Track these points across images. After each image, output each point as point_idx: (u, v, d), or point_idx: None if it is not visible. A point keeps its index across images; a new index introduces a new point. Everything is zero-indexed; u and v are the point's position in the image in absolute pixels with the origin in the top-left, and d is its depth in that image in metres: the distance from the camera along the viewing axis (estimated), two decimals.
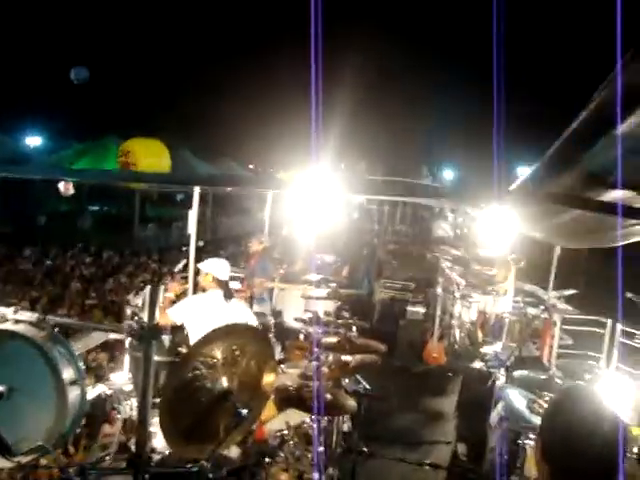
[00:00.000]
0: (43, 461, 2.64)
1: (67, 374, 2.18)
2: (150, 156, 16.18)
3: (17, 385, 2.14)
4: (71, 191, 21.87)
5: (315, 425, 3.60)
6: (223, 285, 5.07)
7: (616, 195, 1.61)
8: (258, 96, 23.87)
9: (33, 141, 25.72)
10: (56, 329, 2.28)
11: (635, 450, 3.77)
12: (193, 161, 22.26)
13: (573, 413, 1.57)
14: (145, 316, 3.76)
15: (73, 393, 2.18)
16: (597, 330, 8.07)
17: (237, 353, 2.35)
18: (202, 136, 23.63)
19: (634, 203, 1.63)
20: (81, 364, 2.27)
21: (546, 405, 4.16)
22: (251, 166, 28.50)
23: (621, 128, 1.32)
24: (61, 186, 21.55)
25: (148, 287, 7.44)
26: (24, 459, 2.12)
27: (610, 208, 1.72)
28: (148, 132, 17.47)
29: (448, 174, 24.68)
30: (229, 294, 5.08)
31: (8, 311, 2.18)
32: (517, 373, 4.87)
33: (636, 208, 1.73)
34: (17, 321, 2.17)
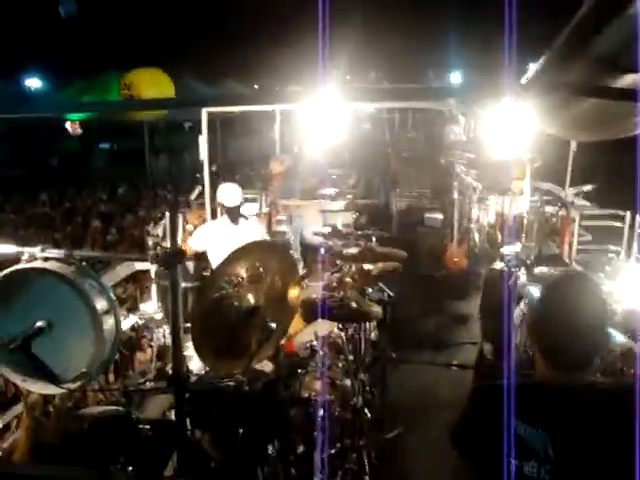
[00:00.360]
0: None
1: (100, 305, 2.26)
2: (152, 86, 15.99)
3: (54, 319, 2.24)
4: (79, 130, 21.76)
5: (343, 334, 3.72)
6: (230, 211, 5.10)
7: (629, 80, 1.58)
8: (260, 12, 23.10)
9: (32, 83, 25.36)
10: (83, 263, 2.35)
11: None
12: (196, 86, 21.90)
13: (564, 297, 1.70)
14: (167, 243, 3.84)
15: (108, 322, 2.27)
16: (616, 224, 8.05)
17: (261, 270, 2.41)
18: (204, 59, 23.09)
19: None
20: (112, 294, 2.34)
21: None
22: (256, 86, 27.98)
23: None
24: (68, 126, 21.45)
25: (167, 215, 7.54)
26: (71, 386, 2.24)
27: (628, 94, 1.69)
28: (149, 61, 17.15)
29: (455, 77, 23.93)
30: (235, 218, 5.11)
31: (36, 250, 2.24)
32: (537, 270, 4.91)
33: None
34: (46, 259, 2.24)
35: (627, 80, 1.64)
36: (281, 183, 7.82)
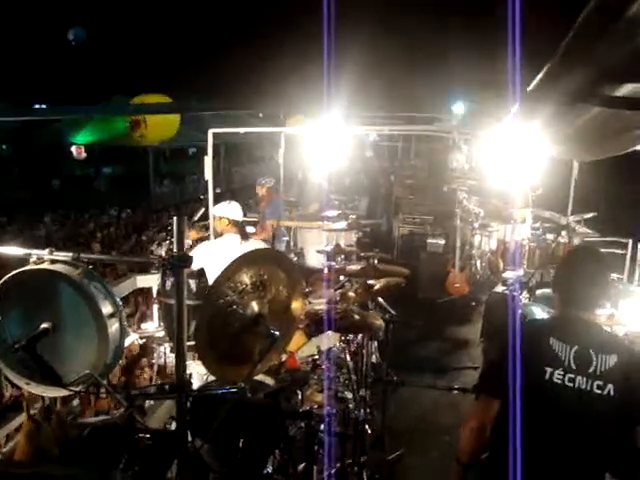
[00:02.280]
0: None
1: (105, 308, 2.28)
2: None
3: (60, 321, 2.25)
4: (84, 154, 21.96)
5: (345, 346, 3.72)
6: (239, 226, 5.13)
7: (628, 89, 1.62)
8: (265, 43, 23.45)
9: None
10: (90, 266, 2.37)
11: None
12: (203, 114, 22.11)
13: (578, 259, 2.49)
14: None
15: (113, 325, 2.29)
16: (618, 252, 8.07)
17: (265, 278, 2.43)
18: (209, 85, 23.36)
19: None
20: (117, 299, 2.36)
21: None
22: (261, 115, 28.27)
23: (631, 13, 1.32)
24: (74, 150, 21.64)
25: (174, 219, 7.57)
26: (75, 388, 2.24)
27: (635, 103, 1.72)
28: (154, 87, 17.38)
29: (459, 108, 24.15)
30: (245, 235, 5.15)
31: (44, 252, 2.27)
32: (539, 292, 4.93)
33: None
34: (53, 261, 2.26)
35: (626, 89, 1.68)
36: (267, 205, 7.88)
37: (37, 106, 24.67)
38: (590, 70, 1.67)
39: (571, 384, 2.20)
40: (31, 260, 2.25)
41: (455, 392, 5.95)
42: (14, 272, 2.25)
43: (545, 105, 1.95)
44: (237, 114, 23.68)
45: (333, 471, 3.76)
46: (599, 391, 2.18)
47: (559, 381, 2.21)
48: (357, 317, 3.52)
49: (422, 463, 4.64)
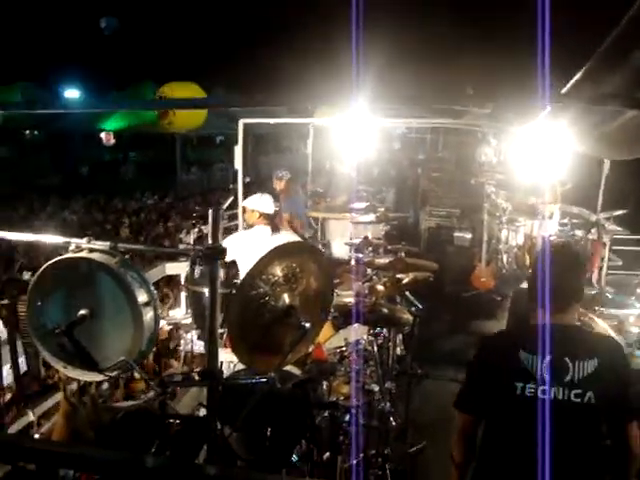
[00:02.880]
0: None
1: (141, 296, 2.33)
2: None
3: (97, 308, 2.31)
4: (112, 141, 22.22)
5: (373, 339, 3.75)
6: (270, 219, 5.17)
7: None
8: (294, 34, 23.38)
9: (71, 94, 25.99)
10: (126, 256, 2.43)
11: None
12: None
13: (551, 254, 2.29)
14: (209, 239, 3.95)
15: (147, 314, 2.34)
16: None
17: (297, 270, 2.46)
18: (236, 74, 23.39)
19: None
20: (152, 287, 2.41)
21: (598, 318, 4.23)
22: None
23: None
24: (103, 137, 21.90)
25: (202, 226, 7.61)
26: (111, 373, 2.31)
27: None
28: (182, 75, 17.49)
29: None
30: (276, 227, 5.19)
31: (82, 241, 2.32)
32: None
33: None
34: (91, 250, 2.32)
35: None
36: (285, 200, 7.86)
37: (68, 92, 25.01)
38: (628, 74, 1.66)
39: (544, 396, 2.11)
40: (70, 248, 2.31)
41: None
42: (54, 260, 2.32)
43: (578, 107, 1.94)
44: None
45: (356, 461, 3.81)
46: (578, 399, 2.11)
47: (531, 394, 2.13)
48: (386, 311, 3.55)
49: (444, 456, 4.64)
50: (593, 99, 1.73)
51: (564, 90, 1.87)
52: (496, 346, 2.35)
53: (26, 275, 2.50)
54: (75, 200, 16.93)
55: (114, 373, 2.31)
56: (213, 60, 24.25)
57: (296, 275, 2.49)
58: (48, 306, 2.36)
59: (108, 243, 2.33)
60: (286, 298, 2.47)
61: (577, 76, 1.79)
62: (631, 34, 1.54)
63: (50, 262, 2.32)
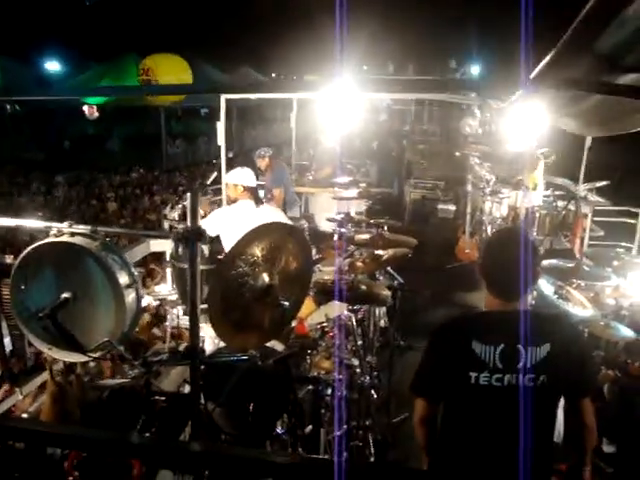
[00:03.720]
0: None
1: (122, 279, 2.38)
2: (171, 72, 16.12)
3: (80, 291, 2.36)
4: (96, 114, 21.91)
5: (352, 315, 3.83)
6: (252, 191, 5.19)
7: (631, 78, 1.66)
8: (279, 3, 23.07)
9: (51, 66, 25.52)
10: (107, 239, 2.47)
11: None
12: (214, 74, 21.95)
13: (499, 244, 2.34)
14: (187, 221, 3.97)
15: (129, 295, 2.39)
16: (629, 221, 8.09)
17: (276, 250, 2.51)
18: (221, 46, 23.11)
19: None
20: (133, 269, 2.46)
21: (576, 291, 4.33)
22: (274, 74, 28.02)
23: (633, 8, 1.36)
24: (86, 110, 21.59)
25: (187, 195, 7.65)
26: (94, 354, 2.37)
27: (634, 91, 1.76)
28: (167, 47, 17.25)
29: (475, 69, 23.96)
30: (259, 200, 5.22)
31: (63, 225, 2.36)
32: (546, 262, 4.98)
33: None
34: (72, 234, 2.35)
35: (629, 78, 1.72)
36: (270, 174, 7.90)
37: (48, 64, 24.54)
38: (593, 60, 1.71)
39: (499, 384, 2.13)
40: (51, 233, 2.35)
41: None
42: (36, 244, 2.35)
43: (547, 92, 1.98)
44: (250, 74, 23.50)
45: (339, 433, 3.92)
46: (532, 384, 2.13)
47: (486, 383, 2.14)
48: (364, 288, 3.61)
49: None
50: (560, 84, 1.77)
51: (532, 75, 1.91)
52: (449, 335, 2.33)
53: (8, 259, 2.52)
54: (60, 175, 16.79)
55: (98, 354, 2.36)
56: (197, 31, 23.91)
57: (275, 255, 2.54)
58: (31, 290, 2.40)
59: (89, 227, 2.36)
60: (265, 277, 2.52)
61: (545, 61, 1.83)
62: (594, 22, 1.58)
63: (32, 247, 2.36)
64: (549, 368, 2.13)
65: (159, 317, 5.82)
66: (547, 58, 1.77)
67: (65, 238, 2.35)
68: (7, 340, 2.82)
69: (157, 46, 17.71)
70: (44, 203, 13.42)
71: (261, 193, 7.33)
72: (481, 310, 2.48)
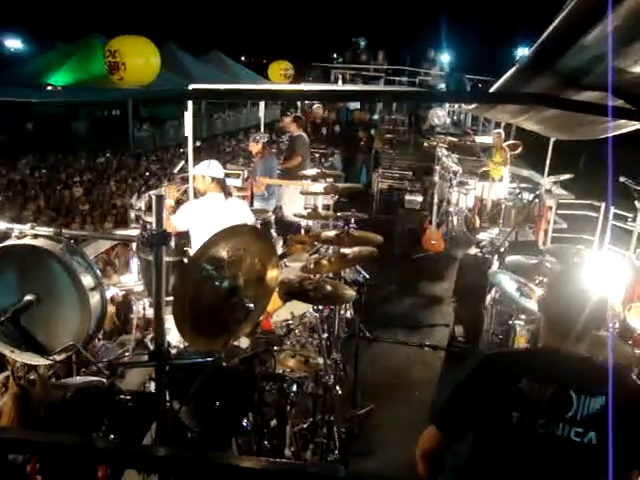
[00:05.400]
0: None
1: (86, 281, 2.36)
2: (138, 55, 15.73)
3: (43, 294, 2.34)
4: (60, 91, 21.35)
5: (317, 314, 3.86)
6: (221, 183, 5.18)
7: (589, 95, 1.71)
8: None
9: (13, 44, 24.83)
10: (71, 241, 2.45)
11: (617, 325, 4.07)
12: (183, 57, 21.64)
13: (569, 283, 2.10)
14: (151, 220, 3.95)
15: (94, 298, 2.38)
16: (591, 214, 8.29)
17: (241, 252, 2.52)
18: (192, 29, 22.79)
19: (606, 102, 1.73)
20: (98, 271, 2.44)
21: (537, 287, 4.42)
22: (243, 58, 27.76)
23: (590, 37, 1.40)
24: (50, 90, 21.04)
25: (151, 193, 7.58)
26: (58, 357, 2.35)
27: (591, 107, 1.81)
28: (134, 29, 16.91)
29: (445, 57, 24.10)
30: (227, 192, 5.21)
31: (25, 227, 2.33)
32: (509, 258, 5.09)
33: (619, 107, 1.81)
34: (35, 236, 2.33)
35: (587, 95, 1.77)
36: (261, 161, 7.91)
37: (9, 41, 23.83)
38: (552, 77, 1.75)
39: (542, 430, 1.91)
40: (13, 235, 2.32)
41: (426, 349, 6.19)
42: None
43: (505, 106, 2.02)
44: (220, 58, 23.21)
45: (303, 426, 3.98)
46: (577, 439, 1.90)
47: (528, 427, 1.93)
48: (329, 288, 3.64)
49: (392, 418, 4.86)
50: (519, 98, 1.82)
51: (492, 89, 1.95)
52: (497, 367, 2.10)
53: None
54: (23, 158, 16.42)
55: (62, 357, 2.35)
56: (166, 14, 23.54)
57: (240, 256, 2.55)
58: None
59: (52, 229, 2.34)
60: (231, 279, 2.53)
61: (506, 76, 1.87)
62: (557, 40, 1.62)
63: None
64: (600, 425, 1.88)
65: (124, 308, 5.77)
66: (507, 74, 1.81)
67: (28, 240, 2.32)
68: None
69: (125, 27, 17.35)
70: (5, 187, 13.12)
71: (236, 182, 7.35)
72: (532, 347, 2.36)
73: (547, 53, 1.63)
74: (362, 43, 19.86)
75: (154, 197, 2.24)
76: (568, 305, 2.03)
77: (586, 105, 1.82)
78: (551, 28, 1.50)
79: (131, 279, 5.70)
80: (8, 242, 2.33)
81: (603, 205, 7.69)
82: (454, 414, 2.12)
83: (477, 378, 2.09)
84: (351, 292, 3.81)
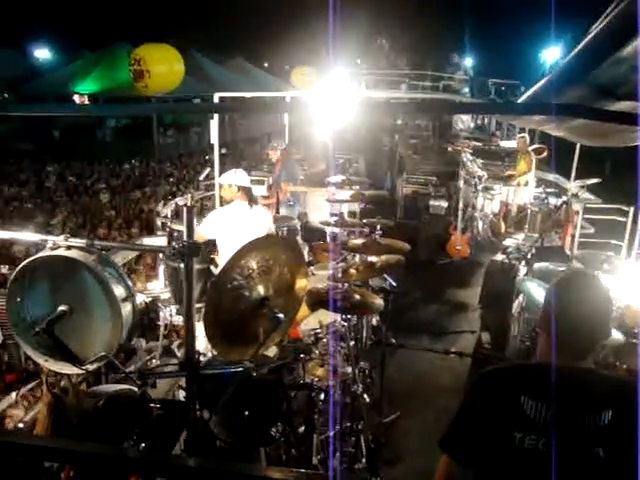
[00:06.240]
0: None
1: (118, 292, 2.40)
2: (162, 62, 16.01)
3: (76, 305, 2.38)
4: (87, 103, 21.74)
5: (346, 324, 3.86)
6: (247, 192, 5.23)
7: (622, 105, 1.69)
8: None
9: (41, 54, 25.26)
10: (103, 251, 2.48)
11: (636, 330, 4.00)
12: (206, 64, 21.85)
13: (574, 292, 1.90)
14: (177, 228, 3.97)
15: (126, 308, 2.41)
16: (620, 219, 8.16)
17: (271, 262, 2.54)
18: (214, 36, 22.98)
19: None
20: (129, 282, 2.47)
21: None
22: (266, 64, 27.92)
23: (628, 49, 1.38)
24: (77, 99, 21.44)
25: (177, 200, 7.65)
26: (90, 367, 2.39)
27: (626, 118, 1.79)
28: (159, 37, 17.14)
29: (468, 61, 24.03)
30: (253, 200, 5.26)
31: (59, 238, 2.37)
32: (537, 265, 5.03)
33: None
34: (69, 247, 2.37)
35: (622, 105, 1.75)
36: (281, 168, 7.94)
37: (37, 52, 24.22)
38: (585, 89, 1.74)
39: (546, 449, 1.81)
40: (47, 246, 2.36)
41: (452, 355, 6.14)
42: (32, 258, 2.36)
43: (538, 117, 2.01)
44: (242, 65, 23.39)
45: (331, 434, 3.97)
46: (585, 455, 1.81)
47: (531, 447, 1.82)
48: (358, 297, 3.64)
49: (417, 426, 4.83)
50: (549, 108, 1.80)
51: (522, 99, 1.93)
52: (495, 386, 1.97)
53: (3, 269, 2.54)
54: (50, 165, 16.71)
55: (93, 366, 2.38)
56: (190, 21, 23.77)
57: (270, 267, 2.56)
58: (28, 302, 2.42)
59: (85, 241, 2.38)
60: (260, 290, 2.54)
61: (536, 87, 1.86)
62: (593, 52, 1.61)
63: (28, 260, 2.37)
64: (608, 440, 1.79)
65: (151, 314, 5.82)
66: (536, 85, 1.79)
67: (61, 251, 2.36)
68: None
69: (150, 35, 17.60)
70: (34, 194, 13.35)
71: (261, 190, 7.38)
72: (533, 362, 2.13)
73: (582, 64, 1.62)
74: (385, 47, 19.89)
75: (185, 208, 2.26)
76: (571, 317, 1.87)
77: (618, 115, 1.80)
78: (587, 40, 1.49)
79: (157, 286, 5.75)
80: (43, 253, 2.37)
81: (632, 209, 7.57)
82: (458, 438, 2.00)
83: (476, 398, 1.98)
84: (380, 301, 3.80)
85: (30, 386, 3.18)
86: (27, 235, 2.50)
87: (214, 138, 6.22)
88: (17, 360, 2.84)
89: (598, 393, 1.83)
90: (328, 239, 5.04)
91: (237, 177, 5.19)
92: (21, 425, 3.10)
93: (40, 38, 24.37)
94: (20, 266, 2.39)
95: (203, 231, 4.95)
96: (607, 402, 1.81)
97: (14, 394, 3.29)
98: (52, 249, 2.37)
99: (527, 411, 1.82)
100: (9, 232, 2.52)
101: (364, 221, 5.41)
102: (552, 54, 24.30)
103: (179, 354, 4.83)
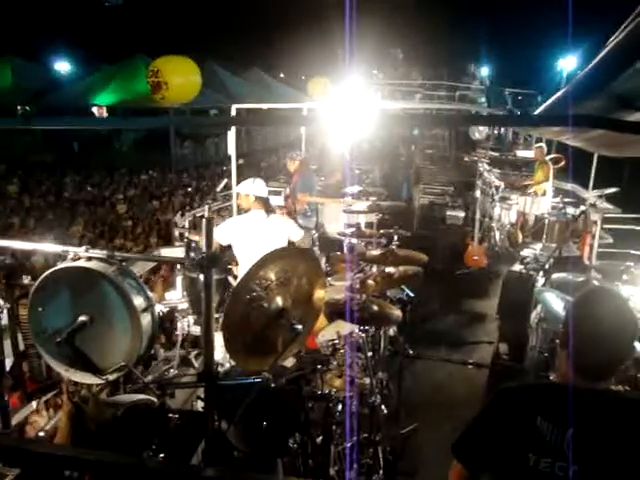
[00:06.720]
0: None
1: (138, 303, 2.42)
2: (180, 74, 16.16)
3: (96, 315, 2.40)
4: (105, 115, 22.01)
5: (363, 334, 3.86)
6: (264, 201, 5.24)
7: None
8: (289, 5, 23.14)
9: (61, 66, 25.66)
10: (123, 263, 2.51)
11: None
12: (223, 75, 22.02)
13: (595, 309, 1.82)
14: (195, 239, 4.00)
15: (145, 319, 2.43)
16: (638, 228, 8.08)
17: (289, 274, 2.55)
18: (230, 47, 23.16)
19: None
20: (149, 292, 2.50)
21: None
22: (282, 75, 28.08)
23: None
24: (95, 111, 21.71)
25: (195, 212, 7.68)
26: (110, 377, 2.41)
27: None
28: (177, 49, 17.30)
29: (484, 70, 24.01)
30: (270, 209, 5.27)
31: (80, 249, 2.40)
32: (555, 276, 5.00)
33: None
34: (89, 258, 2.40)
35: (638, 116, 1.75)
36: (299, 179, 7.96)
37: (57, 64, 24.58)
38: (604, 100, 1.74)
39: (562, 473, 1.74)
40: (68, 257, 2.39)
41: (469, 366, 6.11)
42: (54, 269, 2.40)
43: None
44: (259, 76, 23.54)
45: (349, 445, 3.95)
46: (602, 479, 1.73)
47: (547, 470, 1.75)
48: (376, 308, 3.64)
49: (435, 437, 4.79)
50: (567, 119, 1.80)
51: (538, 110, 1.94)
52: (511, 405, 1.90)
53: (25, 279, 2.58)
54: (68, 176, 16.90)
55: (113, 376, 2.40)
56: (206, 33, 23.99)
57: (288, 278, 2.57)
58: (49, 312, 2.44)
59: (105, 252, 2.40)
60: (279, 301, 2.55)
61: (554, 98, 1.85)
62: (613, 63, 1.61)
63: (50, 271, 2.40)
64: (631, 468, 1.70)
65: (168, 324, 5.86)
66: (554, 96, 1.79)
67: (82, 263, 2.39)
68: (8, 360, 2.85)
69: (167, 47, 17.77)
70: (54, 205, 13.52)
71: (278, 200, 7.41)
72: (551, 382, 2.12)
73: (601, 76, 1.62)
74: (400, 57, 19.94)
75: (204, 220, 2.28)
76: (594, 341, 1.79)
77: (636, 126, 1.80)
78: (606, 51, 1.49)
79: (175, 296, 5.78)
80: (63, 264, 2.40)
81: None
82: (470, 446, 1.96)
83: (491, 415, 1.94)
84: (397, 312, 3.80)
85: (50, 395, 3.21)
86: (49, 246, 2.53)
87: (231, 149, 6.26)
88: (38, 369, 2.87)
89: (616, 415, 1.77)
90: (345, 250, 5.03)
91: (255, 187, 5.21)
92: (42, 433, 3.13)
93: (61, 51, 24.76)
94: (42, 277, 2.43)
95: (218, 237, 4.97)
96: (629, 427, 1.74)
97: (35, 403, 3.32)
98: (73, 260, 2.40)
99: (543, 433, 1.76)
100: (32, 243, 2.56)
101: (381, 232, 5.41)
102: (569, 63, 24.22)
103: (196, 364, 4.85)
